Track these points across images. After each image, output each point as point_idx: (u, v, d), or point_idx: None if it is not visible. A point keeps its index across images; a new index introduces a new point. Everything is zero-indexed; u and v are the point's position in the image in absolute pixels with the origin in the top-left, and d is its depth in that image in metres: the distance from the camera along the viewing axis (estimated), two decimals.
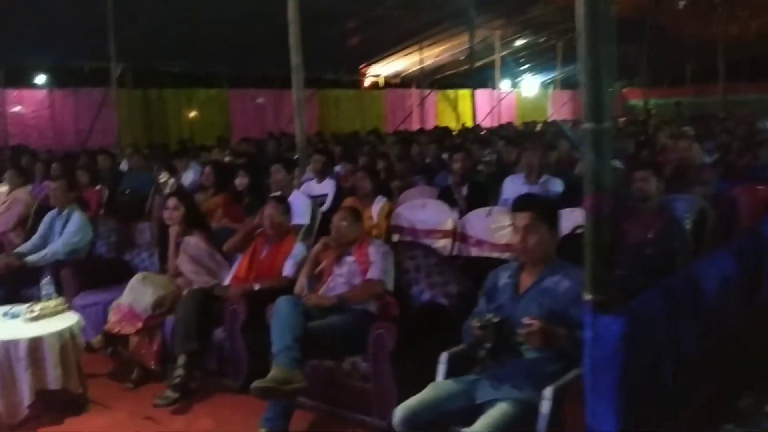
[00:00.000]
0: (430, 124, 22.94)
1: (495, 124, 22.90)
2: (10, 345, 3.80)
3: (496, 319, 2.79)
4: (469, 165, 6.05)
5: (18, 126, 14.57)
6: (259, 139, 13.34)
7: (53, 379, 3.89)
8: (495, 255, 4.95)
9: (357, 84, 22.00)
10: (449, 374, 2.97)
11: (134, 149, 10.35)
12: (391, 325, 3.53)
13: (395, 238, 5.45)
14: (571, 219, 4.78)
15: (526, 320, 2.68)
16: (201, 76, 18.26)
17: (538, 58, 26.91)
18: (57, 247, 5.61)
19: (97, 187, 7.79)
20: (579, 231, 4.57)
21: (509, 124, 20.31)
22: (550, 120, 25.15)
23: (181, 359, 4.15)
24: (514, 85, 29.07)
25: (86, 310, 4.80)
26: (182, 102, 18.25)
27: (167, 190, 8.17)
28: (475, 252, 5.07)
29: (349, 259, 4.10)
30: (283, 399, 3.38)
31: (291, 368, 3.35)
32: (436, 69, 23.20)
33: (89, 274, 5.34)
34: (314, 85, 20.84)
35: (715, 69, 27.82)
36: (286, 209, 4.68)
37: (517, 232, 2.92)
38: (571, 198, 5.53)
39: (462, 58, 22.56)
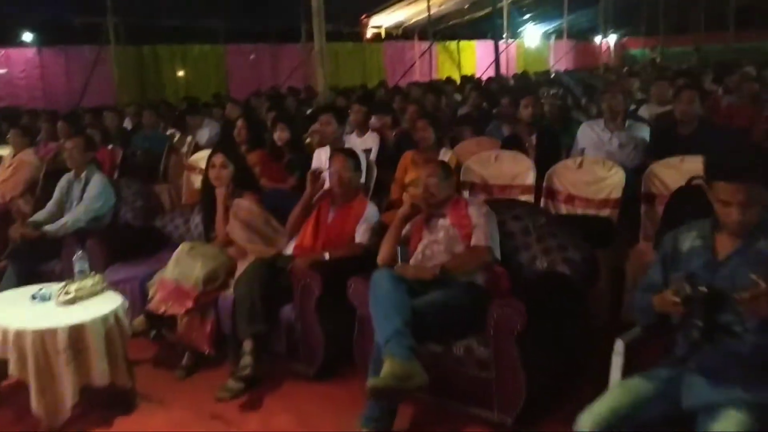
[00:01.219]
0: (431, 77, 22.14)
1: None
2: (46, 335, 3.14)
3: (704, 290, 2.15)
4: (539, 111, 5.35)
5: (6, 87, 13.73)
6: (270, 94, 12.50)
7: (99, 373, 3.24)
8: (590, 212, 4.32)
9: (358, 36, 21.04)
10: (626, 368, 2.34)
11: (143, 106, 9.53)
12: (517, 302, 2.89)
13: (465, 195, 4.80)
14: (677, 168, 4.19)
15: (753, 278, 2.03)
16: (196, 31, 17.28)
17: (540, 7, 26.00)
18: (78, 214, 4.90)
19: (109, 147, 7.03)
20: (698, 182, 3.95)
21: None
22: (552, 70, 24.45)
23: (248, 345, 3.51)
24: (515, 36, 28.18)
25: (119, 287, 4.12)
26: (177, 58, 17.39)
27: (185, 149, 7.46)
28: (565, 209, 4.44)
29: (444, 222, 3.44)
30: (403, 398, 2.75)
31: (408, 360, 2.72)
32: (439, 19, 22.22)
33: (118, 245, 4.67)
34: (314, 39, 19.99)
35: (719, 17, 27.19)
36: (357, 164, 4.00)
37: (725, 205, 2.22)
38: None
39: (466, 6, 21.66)
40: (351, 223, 3.87)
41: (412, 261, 3.35)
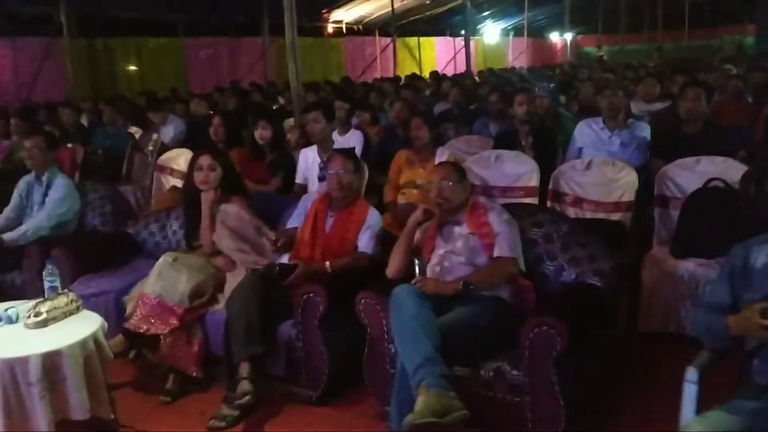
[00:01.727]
0: (391, 74, 21.91)
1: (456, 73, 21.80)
2: (16, 365, 2.72)
3: None
4: (533, 109, 5.09)
5: None
6: (236, 90, 12.02)
7: (78, 406, 2.83)
8: (600, 215, 4.09)
9: (319, 31, 20.61)
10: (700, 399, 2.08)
11: (99, 102, 8.99)
12: (556, 321, 2.61)
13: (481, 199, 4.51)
14: (692, 170, 3.98)
15: None
16: (153, 24, 16.62)
17: (500, 4, 25.95)
18: (40, 221, 4.46)
19: (69, 146, 6.53)
20: (716, 184, 3.76)
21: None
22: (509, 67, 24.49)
23: (244, 369, 3.15)
24: (475, 33, 28.13)
25: (91, 302, 3.71)
26: (132, 52, 16.72)
27: (150, 148, 7.00)
28: (573, 212, 4.19)
29: (461, 229, 3.14)
30: None
31: (445, 390, 2.41)
32: (400, 15, 21.92)
33: (87, 254, 4.23)
34: (275, 33, 19.51)
35: (672, 16, 27.61)
36: (357, 165, 3.66)
37: None
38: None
39: (428, 1, 21.43)
40: (352, 230, 3.54)
41: (428, 273, 3.04)
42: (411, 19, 22.36)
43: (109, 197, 4.79)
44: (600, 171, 4.16)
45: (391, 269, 3.19)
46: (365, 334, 3.12)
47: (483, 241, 3.04)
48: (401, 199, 4.48)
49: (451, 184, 3.18)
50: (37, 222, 4.46)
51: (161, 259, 3.57)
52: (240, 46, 18.94)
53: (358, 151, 5.57)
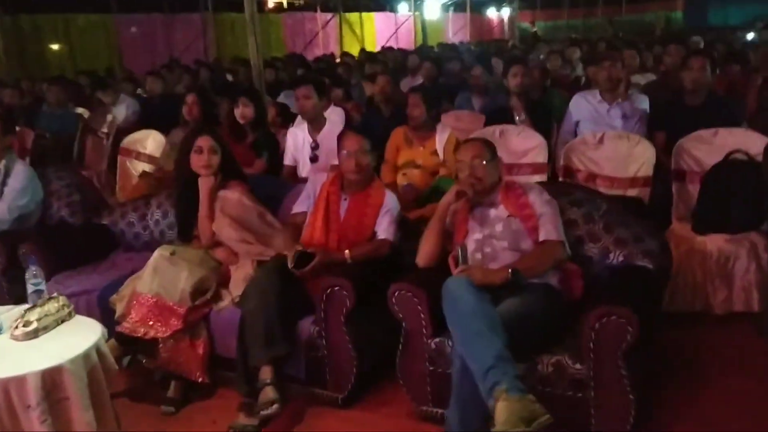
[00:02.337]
0: (332, 50, 21.48)
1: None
2: (11, 386, 2.32)
3: None
4: (528, 81, 4.87)
5: None
6: (188, 67, 11.43)
7: (83, 426, 2.45)
8: (616, 192, 3.91)
9: (260, 5, 19.91)
10: None
11: (39, 81, 8.31)
12: (625, 310, 2.39)
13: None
14: (711, 143, 3.85)
15: None
16: None
17: None
18: (1, 213, 3.98)
19: (17, 129, 5.93)
20: (737, 157, 3.62)
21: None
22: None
23: (266, 373, 2.82)
24: (417, 8, 27.85)
25: (71, 302, 3.31)
26: (60, 30, 15.72)
27: (104, 130, 6.48)
28: None
29: (497, 212, 2.89)
30: None
31: (524, 393, 2.16)
32: None
33: (60, 249, 3.79)
34: (212, 8, 18.77)
35: None
36: (372, 145, 3.35)
37: None
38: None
39: None
40: (370, 215, 3.24)
41: (469, 261, 2.78)
42: None
43: (75, 185, 4.32)
44: (614, 145, 3.98)
45: (423, 257, 2.92)
46: (394, 329, 2.86)
47: (526, 224, 2.81)
48: (401, 180, 4.19)
49: (484, 162, 2.93)
50: None
51: (156, 254, 3.18)
52: (175, 22, 18.15)
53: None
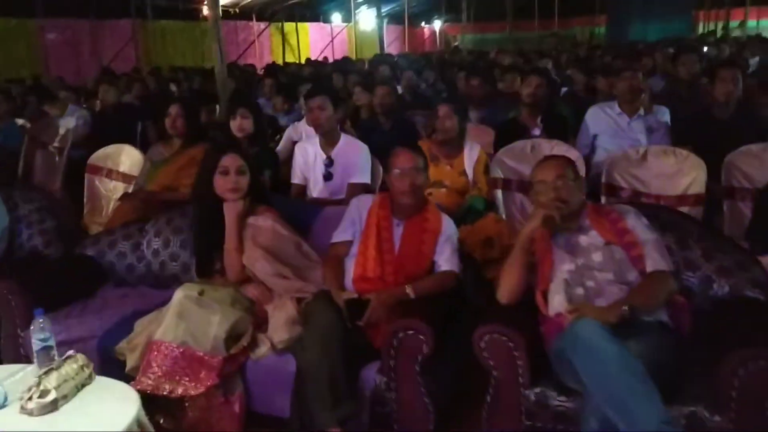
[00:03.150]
0: (266, 60, 20.96)
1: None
2: None
3: None
4: (542, 92, 4.57)
5: None
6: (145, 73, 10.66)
7: None
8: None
9: (194, 13, 19.16)
10: None
11: None
12: None
13: (498, 196, 3.92)
14: (761, 157, 3.63)
15: None
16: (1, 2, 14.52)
17: None
18: None
19: None
20: None
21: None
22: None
23: None
24: (348, 19, 27.58)
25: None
26: None
27: (56, 144, 5.79)
28: None
29: (589, 239, 2.54)
30: None
31: None
32: None
33: (43, 287, 3.18)
34: (142, 15, 17.90)
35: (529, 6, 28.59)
36: (426, 162, 2.93)
37: None
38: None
39: None
40: (428, 243, 2.83)
41: (568, 296, 2.41)
42: (289, 3, 21.34)
43: (48, 209, 3.71)
44: (659, 161, 3.71)
45: (507, 293, 2.53)
46: (473, 377, 2.46)
47: (629, 253, 2.46)
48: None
49: (570, 183, 2.57)
50: None
51: (180, 294, 2.66)
52: (102, 29, 17.19)
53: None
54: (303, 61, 19.73)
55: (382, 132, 4.85)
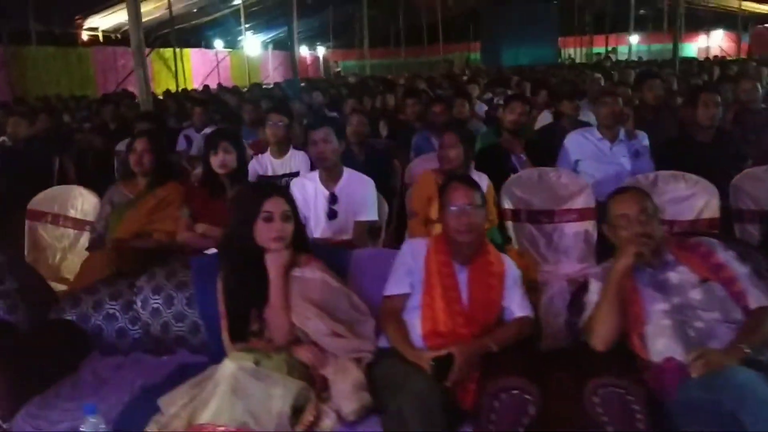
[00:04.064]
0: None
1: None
2: None
3: None
4: (525, 119, 4.47)
5: None
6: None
7: None
8: None
9: (73, 38, 17.92)
10: None
11: None
12: None
13: (509, 227, 3.74)
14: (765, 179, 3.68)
15: None
16: None
17: (262, 17, 25.07)
18: None
19: None
20: None
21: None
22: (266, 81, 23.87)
23: None
24: (231, 45, 26.98)
25: None
26: None
27: None
28: None
29: (680, 275, 2.39)
30: None
31: None
32: (162, 23, 19.96)
33: (23, 366, 2.62)
34: (15, 40, 16.55)
35: (411, 32, 29.28)
36: (483, 197, 2.68)
37: None
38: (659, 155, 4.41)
39: (195, 10, 19.84)
40: (496, 287, 2.57)
41: (679, 341, 2.23)
42: (175, 28, 20.44)
43: (8, 268, 3.11)
44: (670, 186, 3.67)
45: (603, 338, 2.33)
46: None
47: (730, 288, 2.33)
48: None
49: (653, 216, 2.43)
50: None
51: (231, 366, 2.24)
52: None
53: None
54: (188, 88, 19.00)
55: (356, 163, 4.55)
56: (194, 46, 25.56)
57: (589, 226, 3.70)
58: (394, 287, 2.60)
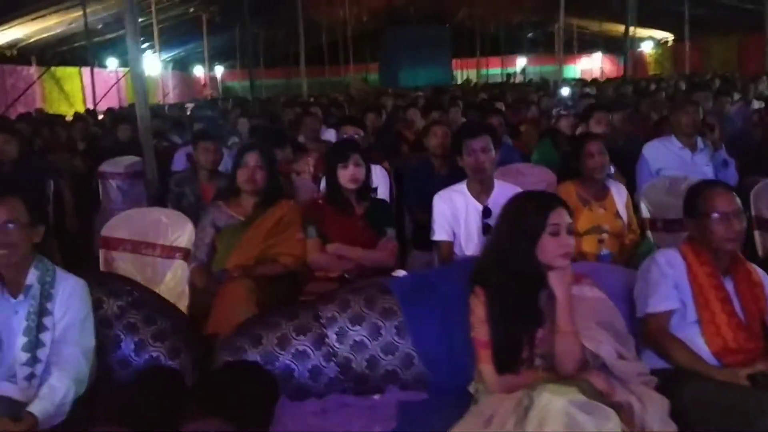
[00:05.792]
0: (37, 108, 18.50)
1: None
2: None
3: None
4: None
5: None
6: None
7: None
8: None
9: None
10: None
11: None
12: None
13: (649, 237, 3.62)
14: None
15: None
16: None
17: (162, 35, 23.92)
18: (76, 364, 2.23)
19: None
20: None
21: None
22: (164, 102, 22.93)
23: None
24: (125, 64, 25.55)
25: None
26: None
27: None
28: None
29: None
30: None
31: None
32: (60, 41, 18.56)
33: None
34: None
35: (312, 53, 29.15)
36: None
37: None
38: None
39: (100, 26, 18.60)
40: (761, 299, 2.40)
41: None
42: (76, 45, 19.06)
43: (147, 303, 2.60)
44: None
45: None
46: None
47: None
48: (592, 249, 3.34)
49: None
50: (71, 367, 2.18)
51: (560, 401, 1.91)
52: None
53: (383, 193, 4.27)
54: (79, 110, 17.63)
55: (436, 177, 4.27)
56: (88, 65, 24.02)
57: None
58: (660, 303, 2.38)
